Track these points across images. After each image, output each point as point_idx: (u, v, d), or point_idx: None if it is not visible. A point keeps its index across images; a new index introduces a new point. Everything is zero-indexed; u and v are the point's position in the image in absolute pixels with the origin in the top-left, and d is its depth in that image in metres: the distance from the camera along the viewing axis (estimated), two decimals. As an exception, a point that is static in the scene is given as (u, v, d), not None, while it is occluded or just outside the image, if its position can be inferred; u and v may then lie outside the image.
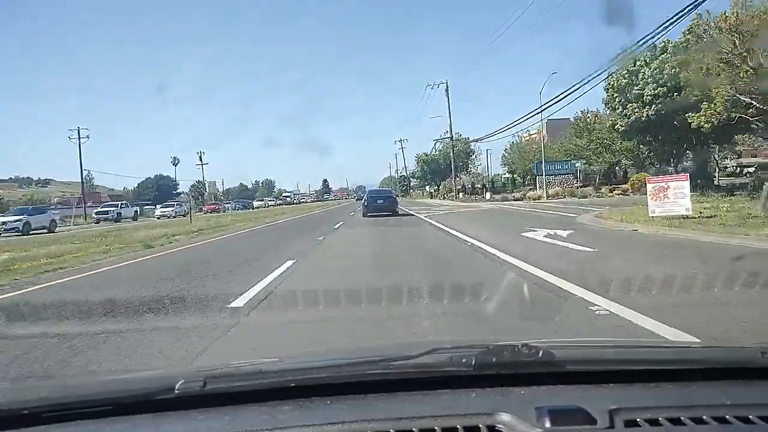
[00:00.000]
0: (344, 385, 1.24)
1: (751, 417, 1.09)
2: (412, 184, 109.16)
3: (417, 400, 1.20)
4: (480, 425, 1.08)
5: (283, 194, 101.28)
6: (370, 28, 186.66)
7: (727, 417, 1.09)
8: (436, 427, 1.07)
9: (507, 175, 71.07)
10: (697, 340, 3.28)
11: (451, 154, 53.39)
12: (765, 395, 1.21)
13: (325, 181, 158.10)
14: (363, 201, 24.46)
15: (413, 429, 1.08)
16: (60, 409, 1.21)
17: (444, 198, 56.66)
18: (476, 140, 50.69)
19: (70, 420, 1.19)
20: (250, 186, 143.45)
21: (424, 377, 1.27)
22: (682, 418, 1.09)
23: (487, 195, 44.41)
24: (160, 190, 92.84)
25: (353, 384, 1.25)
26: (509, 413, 1.10)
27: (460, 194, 48.99)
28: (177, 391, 1.21)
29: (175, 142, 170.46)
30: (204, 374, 1.29)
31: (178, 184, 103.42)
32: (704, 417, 1.09)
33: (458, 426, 1.08)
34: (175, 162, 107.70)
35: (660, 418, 1.09)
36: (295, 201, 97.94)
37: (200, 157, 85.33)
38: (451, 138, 50.15)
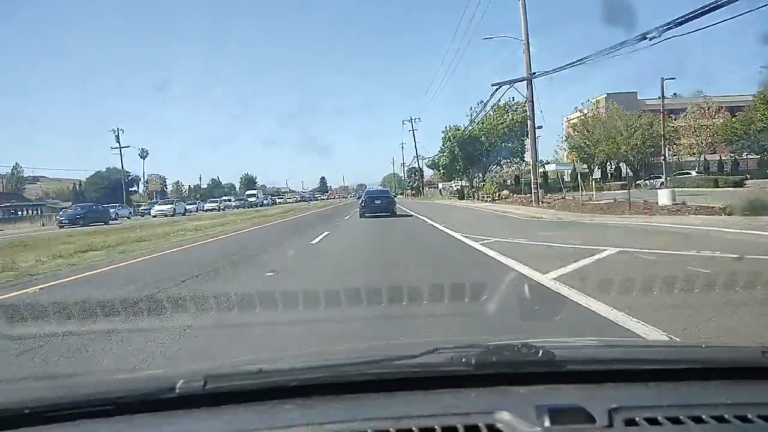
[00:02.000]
0: (344, 384, 1.28)
1: (750, 416, 1.13)
2: (426, 178, 76.61)
3: (417, 400, 1.24)
4: (480, 424, 1.11)
5: (247, 193, 70.09)
6: (372, 25, 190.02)
7: (726, 416, 1.13)
8: (436, 426, 1.11)
9: (560, 166, 54.66)
10: (698, 341, 3.18)
11: (531, 109, 20.32)
12: (764, 395, 1.24)
13: (323, 178, 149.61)
14: (360, 201, 25.95)
15: (413, 428, 1.11)
16: (61, 408, 1.24)
17: (494, 199, 35.84)
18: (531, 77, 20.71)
19: (70, 420, 1.22)
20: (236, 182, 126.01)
21: (425, 377, 1.30)
22: (681, 417, 1.12)
23: (664, 195, 18.82)
24: (111, 186, 74.01)
25: (353, 384, 1.28)
26: (509, 412, 1.14)
27: (536, 193, 26.44)
28: (178, 391, 1.24)
29: (169, 140, 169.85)
30: (204, 374, 1.32)
31: (138, 179, 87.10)
32: (703, 416, 1.13)
33: (458, 425, 1.11)
34: (143, 154, 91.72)
35: (659, 417, 1.12)
36: (264, 202, 65.73)
37: (117, 136, 56.19)
38: (530, 76, 18.58)
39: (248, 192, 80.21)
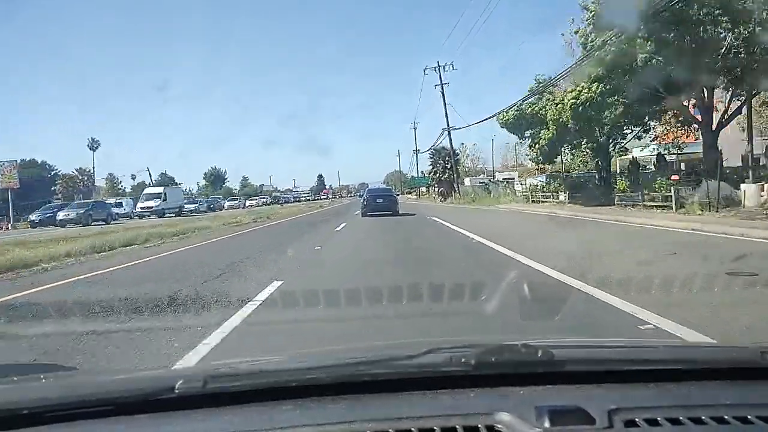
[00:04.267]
0: (344, 385, 1.34)
1: (749, 417, 1.18)
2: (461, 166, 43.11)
3: (416, 400, 1.29)
4: (479, 425, 1.16)
5: (145, 192, 35.24)
6: (372, 26, 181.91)
7: (726, 417, 1.18)
8: (435, 427, 1.16)
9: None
10: (698, 340, 3.30)
11: None
12: (764, 395, 1.29)
13: (320, 176, 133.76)
14: (362, 200, 27.64)
15: (412, 429, 1.16)
16: (60, 408, 1.29)
17: None
18: None
19: (70, 420, 1.28)
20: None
21: (424, 377, 1.36)
22: (681, 418, 1.17)
23: None
24: (25, 185, 51.72)
25: (353, 384, 1.34)
26: (508, 413, 1.18)
27: None
28: (177, 391, 1.29)
29: (168, 140, 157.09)
30: (204, 374, 1.38)
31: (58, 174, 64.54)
32: (703, 417, 1.17)
33: (457, 426, 1.16)
34: (94, 146, 70.25)
35: (659, 418, 1.17)
36: (194, 208, 28.29)
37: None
38: None
39: (147, 191, 47.43)
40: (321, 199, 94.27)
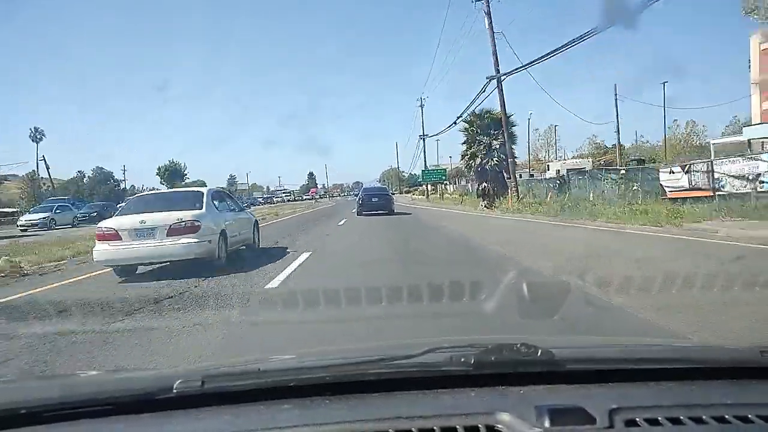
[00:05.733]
0: (344, 384, 1.35)
1: (750, 416, 1.19)
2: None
3: (416, 400, 1.30)
4: (479, 425, 1.17)
5: None
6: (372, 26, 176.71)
7: (727, 416, 1.19)
8: (435, 427, 1.17)
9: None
10: (698, 340, 3.41)
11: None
12: (764, 395, 1.30)
13: (311, 174, 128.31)
14: (358, 199, 27.95)
15: (412, 429, 1.17)
16: (59, 408, 1.31)
17: None
18: None
19: (69, 419, 1.29)
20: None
21: (424, 377, 1.36)
22: (681, 417, 1.18)
23: None
24: None
25: (353, 383, 1.35)
26: (508, 412, 1.19)
27: None
28: (176, 391, 1.31)
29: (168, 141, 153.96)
30: (203, 374, 1.39)
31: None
32: (703, 417, 1.19)
33: (457, 426, 1.17)
34: (37, 137, 61.98)
35: (659, 418, 1.18)
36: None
37: None
38: None
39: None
40: (306, 200, 77.56)
